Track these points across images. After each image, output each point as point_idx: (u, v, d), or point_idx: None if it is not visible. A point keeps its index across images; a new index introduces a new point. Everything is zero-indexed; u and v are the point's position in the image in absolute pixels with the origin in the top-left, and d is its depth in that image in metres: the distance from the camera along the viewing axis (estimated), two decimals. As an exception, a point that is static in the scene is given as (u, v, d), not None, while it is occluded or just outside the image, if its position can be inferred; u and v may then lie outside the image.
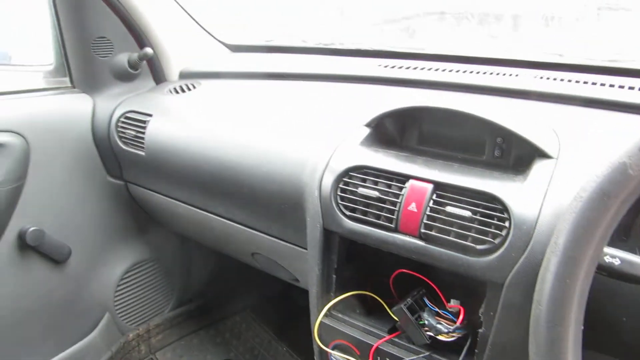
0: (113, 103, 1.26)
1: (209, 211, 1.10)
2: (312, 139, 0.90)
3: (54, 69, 1.28)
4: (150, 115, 1.17)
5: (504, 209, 0.63)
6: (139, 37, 1.28)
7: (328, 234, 0.80)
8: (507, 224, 0.63)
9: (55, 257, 1.22)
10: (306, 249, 0.90)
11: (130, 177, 1.28)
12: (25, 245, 1.16)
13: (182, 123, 1.13)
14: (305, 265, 0.93)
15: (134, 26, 1.25)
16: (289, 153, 0.91)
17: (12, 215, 1.13)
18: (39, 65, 1.30)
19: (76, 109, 1.24)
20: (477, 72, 1.00)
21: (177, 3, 1.34)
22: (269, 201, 0.94)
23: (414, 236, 0.70)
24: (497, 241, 0.63)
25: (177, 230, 1.37)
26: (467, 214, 0.65)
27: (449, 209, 0.67)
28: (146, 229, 1.41)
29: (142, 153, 1.17)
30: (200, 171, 1.05)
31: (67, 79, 1.27)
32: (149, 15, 1.26)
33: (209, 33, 1.44)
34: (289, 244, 0.97)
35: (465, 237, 0.65)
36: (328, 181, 0.80)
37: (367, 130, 0.85)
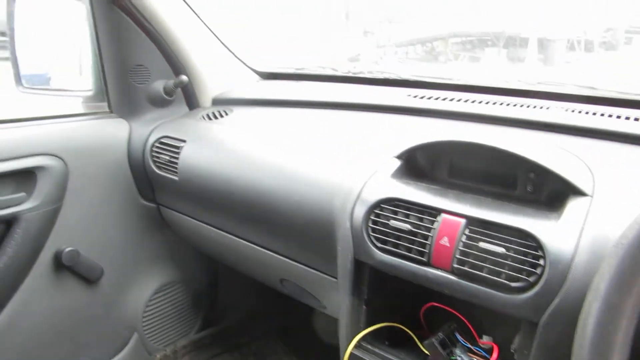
0: (148, 128, 1.30)
1: (239, 236, 1.12)
2: (344, 169, 0.92)
3: (94, 95, 1.33)
4: (184, 140, 1.20)
5: (539, 246, 0.63)
6: (175, 64, 1.32)
7: (359, 265, 0.81)
8: (542, 262, 0.62)
9: (88, 277, 1.25)
10: (336, 278, 0.91)
11: (163, 201, 1.31)
12: (61, 265, 1.19)
13: (215, 149, 1.16)
14: (334, 294, 0.93)
15: (170, 54, 1.30)
16: (321, 182, 0.93)
17: (49, 236, 1.17)
18: (79, 91, 1.35)
19: (113, 133, 1.28)
20: (508, 104, 1.00)
21: (211, 31, 1.38)
22: (300, 229, 0.96)
23: (446, 270, 0.70)
24: (532, 279, 0.63)
25: (206, 253, 1.40)
26: (501, 250, 0.66)
27: (482, 244, 0.67)
28: (176, 251, 1.43)
29: (176, 178, 1.20)
30: (232, 197, 1.08)
31: (105, 104, 1.32)
32: (185, 43, 1.30)
33: (240, 60, 1.48)
34: (318, 272, 0.97)
35: (498, 274, 0.65)
36: (360, 212, 0.81)
37: (398, 162, 0.86)
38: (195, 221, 1.23)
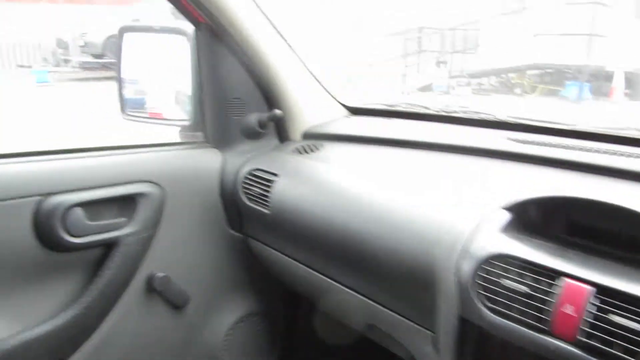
0: (240, 159, 1.32)
1: (328, 276, 1.10)
2: (446, 217, 0.88)
3: (191, 125, 1.37)
4: (276, 174, 1.21)
5: None
6: (269, 98, 1.35)
7: (464, 324, 0.76)
8: None
9: (175, 303, 1.28)
10: (433, 331, 0.86)
11: (251, 232, 1.32)
12: (152, 290, 1.22)
13: (308, 185, 1.15)
14: (428, 347, 0.88)
15: (265, 88, 1.33)
16: (420, 229, 0.89)
17: (143, 260, 1.20)
18: (178, 120, 1.40)
19: (207, 163, 1.32)
20: (629, 155, 0.92)
21: (304, 64, 1.40)
22: (395, 276, 0.92)
23: (569, 342, 0.64)
24: None
25: (290, 288, 1.39)
26: (638, 327, 0.59)
27: (615, 318, 0.61)
28: (259, 282, 1.44)
29: (266, 211, 1.20)
30: (324, 235, 1.06)
31: (201, 134, 1.36)
32: (280, 77, 1.33)
33: (330, 94, 1.48)
34: (411, 323, 0.93)
35: (635, 354, 0.59)
36: (467, 267, 0.77)
37: (507, 215, 0.81)
38: (283, 255, 1.22)
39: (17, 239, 1.03)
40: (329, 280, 1.10)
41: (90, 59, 13.33)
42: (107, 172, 1.15)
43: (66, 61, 13.38)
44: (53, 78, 12.50)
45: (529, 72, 12.46)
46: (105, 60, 13.29)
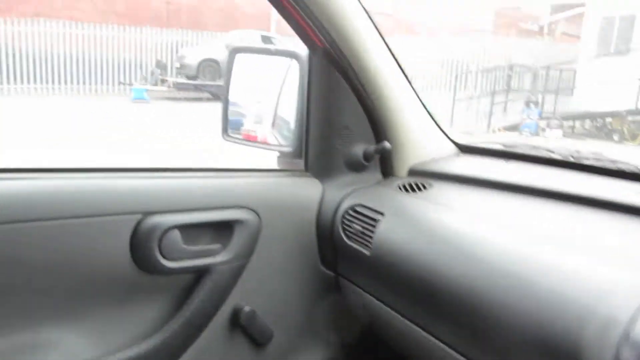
0: (341, 192, 1.23)
1: (432, 334, 0.97)
2: (596, 287, 0.73)
3: (291, 152, 1.31)
4: (381, 213, 1.11)
5: None
6: (378, 128, 1.25)
7: None
8: None
9: (258, 339, 1.19)
10: None
11: (345, 272, 1.22)
12: (237, 323, 1.15)
13: (417, 228, 1.04)
14: None
15: (375, 118, 1.24)
16: (563, 299, 0.74)
17: (231, 291, 1.13)
18: (278, 146, 1.35)
19: (306, 193, 1.24)
20: None
21: (417, 95, 1.30)
22: (524, 351, 0.77)
23: None
24: None
25: (381, 338, 1.26)
26: None
27: None
28: (345, 326, 1.32)
29: (367, 252, 1.10)
30: (432, 287, 0.94)
31: (301, 162, 1.29)
32: (393, 109, 1.23)
33: (441, 129, 1.37)
34: None
35: None
36: (629, 357, 0.61)
37: None
38: (379, 302, 1.11)
39: (113, 256, 1.00)
40: (433, 339, 0.96)
41: (185, 80, 14.17)
42: (206, 194, 1.11)
43: (163, 81, 14.32)
44: (150, 96, 13.40)
45: (630, 117, 11.59)
46: (198, 82, 14.08)
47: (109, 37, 14.58)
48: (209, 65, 14.06)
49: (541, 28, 23.49)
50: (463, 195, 1.15)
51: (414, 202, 1.12)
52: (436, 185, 1.20)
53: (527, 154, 1.30)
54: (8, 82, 13.55)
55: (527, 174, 1.20)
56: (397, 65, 1.22)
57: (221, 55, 13.86)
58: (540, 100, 12.46)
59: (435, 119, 1.36)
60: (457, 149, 1.39)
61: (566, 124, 12.24)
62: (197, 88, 14.24)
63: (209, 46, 14.95)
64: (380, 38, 1.16)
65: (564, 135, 11.60)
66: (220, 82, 14.26)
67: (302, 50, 1.22)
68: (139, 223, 1.00)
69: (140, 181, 1.06)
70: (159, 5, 16.17)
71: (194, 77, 14.13)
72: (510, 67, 14.21)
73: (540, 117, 12.06)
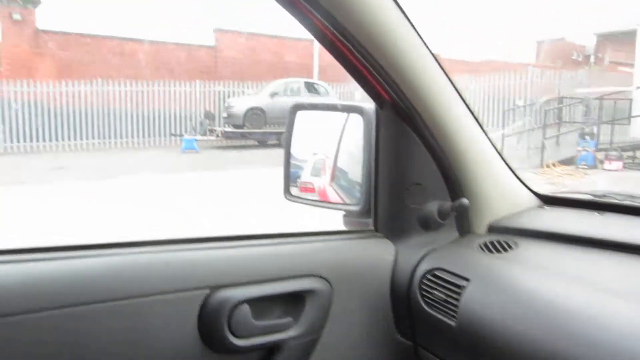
0: (416, 254, 1.13)
1: None
2: None
3: (359, 211, 1.23)
4: (467, 279, 1.00)
5: None
6: (453, 185, 1.16)
7: None
8: None
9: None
10: None
11: (425, 343, 1.10)
12: None
13: (511, 297, 0.92)
14: None
15: (450, 174, 1.15)
16: None
17: None
18: (345, 204, 1.27)
19: (378, 255, 1.15)
20: None
21: (494, 146, 1.20)
22: None
23: None
24: None
25: None
26: None
27: None
28: None
29: (452, 323, 0.99)
30: None
31: (370, 221, 1.21)
32: (469, 163, 1.14)
33: (520, 180, 1.26)
34: None
35: None
36: None
37: None
38: None
39: (180, 335, 0.93)
40: None
41: (232, 129, 14.59)
42: (274, 263, 1.04)
43: (211, 131, 14.78)
44: (199, 145, 13.81)
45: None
46: (244, 130, 14.47)
47: (160, 92, 15.32)
48: (255, 114, 14.45)
49: (587, 58, 22.90)
50: (557, 255, 1.03)
51: (503, 266, 1.01)
52: (522, 244, 1.08)
53: (623, 204, 1.17)
54: (75, 139, 14.39)
55: (626, 228, 1.07)
56: (471, 115, 1.14)
57: (265, 102, 14.28)
58: (595, 132, 11.93)
59: (513, 168, 1.25)
60: (540, 201, 1.27)
61: (625, 154, 11.62)
62: (243, 136, 14.60)
63: (254, 95, 15.41)
64: (454, 89, 1.09)
65: (625, 167, 11.00)
66: (267, 129, 14.62)
67: (367, 104, 1.16)
68: (206, 298, 0.94)
69: (207, 252, 1.00)
70: (208, 59, 16.90)
71: (241, 126, 14.52)
72: (560, 100, 13.79)
73: (597, 149, 11.52)
